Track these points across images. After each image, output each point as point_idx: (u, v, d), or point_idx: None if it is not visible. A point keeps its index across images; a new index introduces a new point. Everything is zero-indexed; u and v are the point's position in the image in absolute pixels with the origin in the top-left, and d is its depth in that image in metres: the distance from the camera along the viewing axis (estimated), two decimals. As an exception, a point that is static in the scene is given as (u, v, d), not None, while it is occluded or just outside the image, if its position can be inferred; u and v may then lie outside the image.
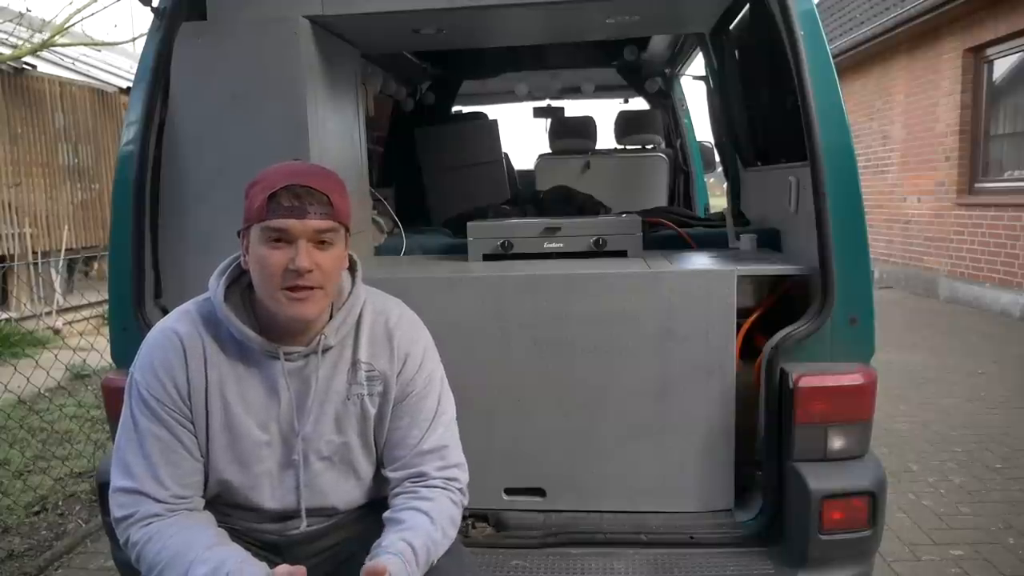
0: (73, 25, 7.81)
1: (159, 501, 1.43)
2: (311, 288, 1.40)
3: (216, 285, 1.48)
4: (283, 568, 1.32)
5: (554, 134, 4.57)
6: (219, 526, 1.50)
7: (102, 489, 1.90)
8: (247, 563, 1.37)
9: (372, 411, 1.54)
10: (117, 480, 1.45)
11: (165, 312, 2.00)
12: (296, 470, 1.51)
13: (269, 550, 1.59)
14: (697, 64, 4.74)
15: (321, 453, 1.53)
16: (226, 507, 1.55)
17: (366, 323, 1.55)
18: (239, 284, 1.51)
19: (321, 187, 1.41)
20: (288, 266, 1.38)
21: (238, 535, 1.55)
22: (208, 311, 1.49)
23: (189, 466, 1.46)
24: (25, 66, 7.89)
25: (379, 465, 1.59)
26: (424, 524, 1.44)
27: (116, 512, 1.44)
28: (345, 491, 1.57)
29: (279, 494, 1.53)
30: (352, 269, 1.55)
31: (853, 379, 1.91)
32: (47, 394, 4.62)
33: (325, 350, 1.50)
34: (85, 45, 8.61)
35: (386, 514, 1.50)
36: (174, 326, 1.49)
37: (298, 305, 1.40)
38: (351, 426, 1.54)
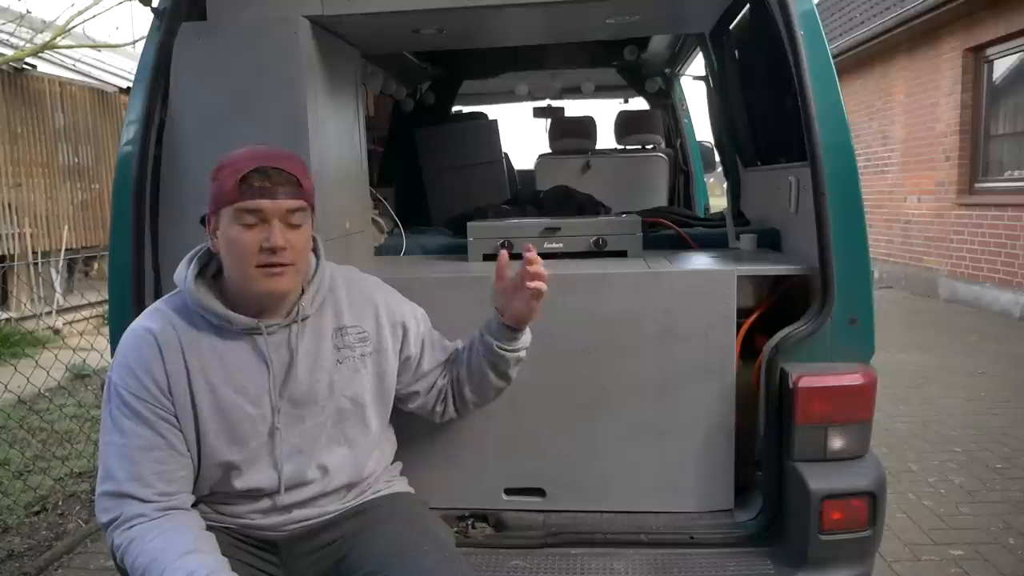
0: (74, 27, 7.81)
1: (143, 501, 1.43)
2: (284, 265, 1.44)
3: (185, 274, 1.51)
4: None
5: (554, 134, 4.57)
6: (214, 527, 1.51)
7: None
8: (217, 572, 1.36)
9: (365, 371, 1.59)
10: (100, 485, 1.46)
11: (165, 312, 2.01)
12: (292, 437, 1.54)
13: (266, 549, 1.59)
14: (697, 64, 4.75)
15: (316, 419, 1.55)
16: (222, 505, 1.55)
17: (342, 290, 1.61)
18: (204, 275, 1.54)
19: (290, 168, 1.46)
20: (262, 244, 1.42)
21: (233, 535, 1.56)
22: (178, 303, 1.52)
23: (174, 463, 1.47)
24: (25, 66, 7.89)
25: (378, 427, 1.67)
26: None
27: (101, 517, 1.44)
28: (339, 457, 1.60)
29: (280, 464, 1.54)
30: (314, 248, 1.60)
31: (853, 379, 1.91)
32: (47, 394, 4.62)
33: (304, 319, 1.54)
34: (87, 47, 8.61)
35: (461, 357, 1.75)
36: (146, 324, 1.51)
37: (273, 280, 1.45)
38: (343, 389, 1.57)
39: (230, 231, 1.44)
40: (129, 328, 1.54)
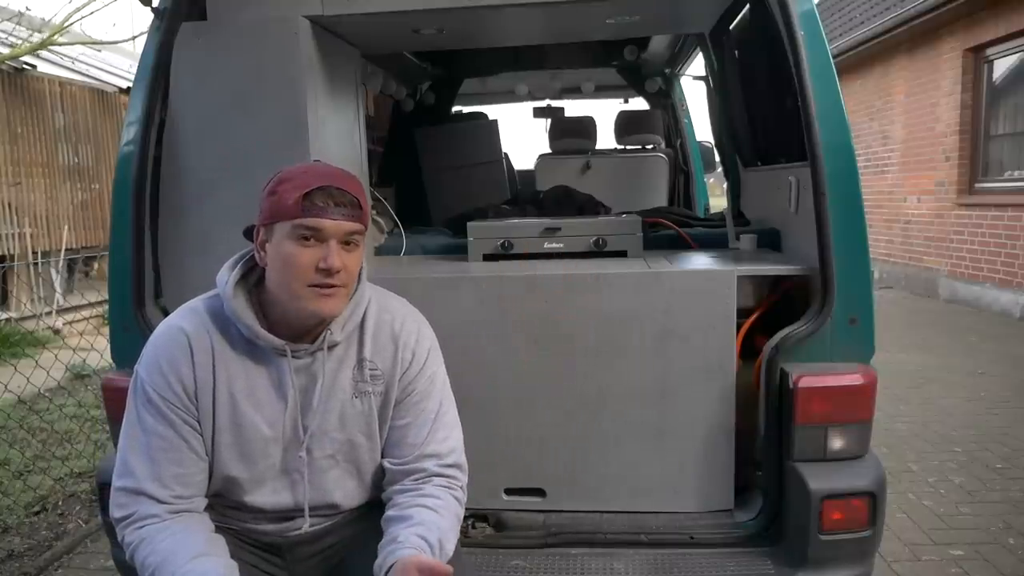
0: (72, 24, 7.81)
1: (159, 501, 1.43)
2: (336, 286, 1.42)
3: (225, 281, 1.48)
4: None
5: (554, 134, 4.57)
6: (218, 528, 1.50)
7: (102, 489, 1.91)
8: None
9: (376, 409, 1.55)
10: (118, 480, 1.45)
11: (165, 312, 2.01)
12: (301, 467, 1.52)
13: (269, 551, 1.59)
14: (697, 64, 4.76)
15: (325, 451, 1.53)
16: (226, 508, 1.55)
17: (371, 322, 1.56)
18: (246, 281, 1.51)
19: (352, 190, 1.43)
20: (319, 265, 1.40)
21: (237, 536, 1.55)
22: (217, 308, 1.49)
23: (193, 465, 1.46)
24: (25, 66, 7.89)
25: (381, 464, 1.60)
26: (433, 518, 1.45)
27: (115, 512, 1.44)
28: (348, 489, 1.58)
29: (283, 490, 1.53)
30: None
31: (853, 379, 1.91)
32: (47, 394, 4.63)
33: (331, 347, 1.51)
34: (84, 44, 8.60)
35: (391, 512, 1.49)
36: (180, 324, 1.48)
37: (324, 301, 1.42)
38: (356, 424, 1.54)
39: (284, 246, 1.41)
40: (163, 323, 1.52)
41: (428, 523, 1.43)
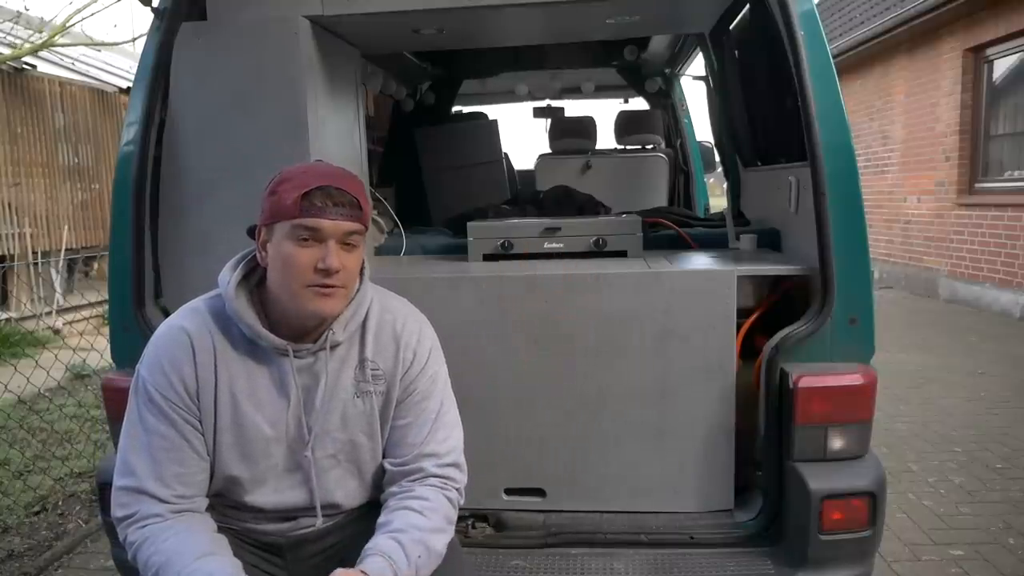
0: (73, 25, 7.82)
1: (161, 501, 1.43)
2: (335, 287, 1.42)
3: (227, 281, 1.48)
4: None
5: (554, 134, 4.57)
6: (218, 528, 1.50)
7: (102, 489, 1.91)
8: None
9: (376, 410, 1.55)
10: (119, 479, 1.45)
11: (165, 312, 2.01)
12: (306, 466, 1.52)
13: (269, 551, 1.59)
14: (697, 64, 4.76)
15: (327, 450, 1.53)
16: (227, 507, 1.55)
17: (372, 322, 1.56)
18: (248, 281, 1.51)
19: (351, 190, 1.43)
20: (317, 265, 1.40)
21: (237, 535, 1.55)
22: (219, 308, 1.49)
23: (194, 465, 1.46)
24: (25, 66, 7.89)
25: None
26: (416, 520, 1.44)
27: (116, 512, 1.44)
28: (350, 489, 1.58)
29: (285, 490, 1.53)
30: (360, 268, 1.56)
31: (853, 379, 1.91)
32: (47, 394, 4.63)
33: (334, 346, 1.51)
34: (85, 45, 8.61)
35: (380, 518, 1.49)
36: (182, 323, 1.49)
37: (323, 300, 1.42)
38: (358, 424, 1.54)
39: (284, 246, 1.41)
40: (165, 323, 1.52)
41: (407, 526, 1.43)
